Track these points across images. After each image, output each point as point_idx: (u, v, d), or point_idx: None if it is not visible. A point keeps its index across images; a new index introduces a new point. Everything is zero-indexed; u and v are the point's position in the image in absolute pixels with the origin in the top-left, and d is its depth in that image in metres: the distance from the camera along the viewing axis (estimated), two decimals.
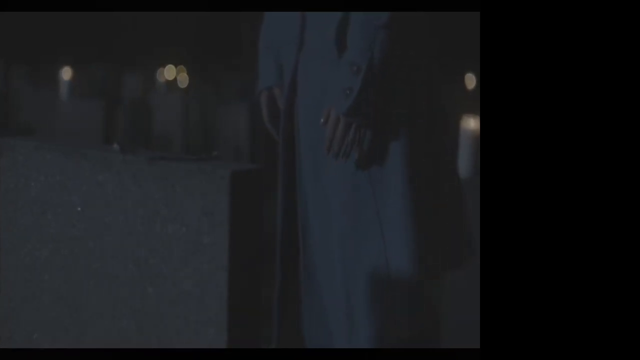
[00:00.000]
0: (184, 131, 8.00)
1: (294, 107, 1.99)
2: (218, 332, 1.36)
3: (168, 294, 1.41)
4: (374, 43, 1.78)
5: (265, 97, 2.13)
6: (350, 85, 1.79)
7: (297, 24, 1.96)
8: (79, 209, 1.51)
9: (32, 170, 1.57)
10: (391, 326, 1.88)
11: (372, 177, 1.87)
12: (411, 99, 1.87)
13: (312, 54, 1.94)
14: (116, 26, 20.87)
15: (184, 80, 13.36)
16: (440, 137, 1.92)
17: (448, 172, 1.94)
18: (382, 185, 1.86)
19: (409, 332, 1.90)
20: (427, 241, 1.85)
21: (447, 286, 1.98)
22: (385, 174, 1.86)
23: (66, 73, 10.23)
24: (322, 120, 1.85)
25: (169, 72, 14.48)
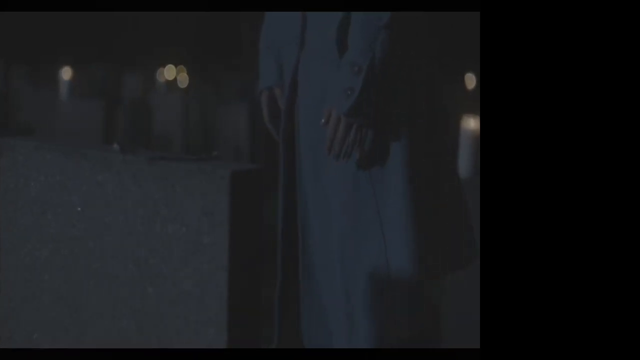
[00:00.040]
0: (184, 131, 8.00)
1: (295, 107, 1.99)
2: (218, 332, 1.36)
3: (168, 294, 1.41)
4: (375, 43, 1.78)
5: (266, 96, 2.13)
6: (352, 85, 1.79)
7: (297, 23, 1.96)
8: (79, 209, 1.51)
9: (32, 170, 1.57)
10: (391, 326, 1.88)
11: (373, 177, 1.87)
12: (412, 98, 1.87)
13: (312, 54, 1.94)
14: (116, 26, 20.87)
15: (184, 80, 13.36)
16: (441, 137, 1.92)
17: (448, 172, 1.94)
18: (382, 185, 1.86)
19: (409, 332, 1.90)
20: (427, 241, 1.85)
21: (447, 286, 1.98)
22: (386, 173, 1.86)
23: (66, 73, 10.22)
24: (322, 120, 1.85)
25: (169, 72, 14.47)
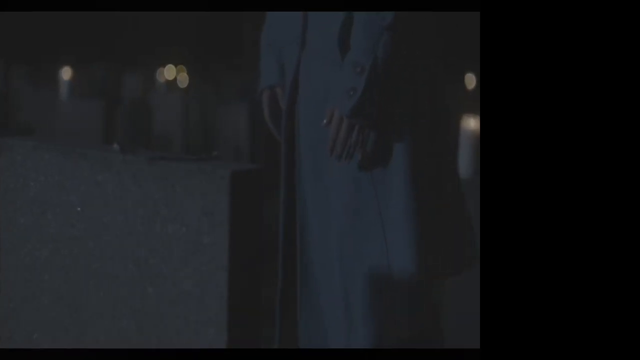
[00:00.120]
0: (184, 131, 8.00)
1: (296, 106, 1.99)
2: (218, 332, 1.36)
3: (168, 294, 1.41)
4: (378, 43, 1.78)
5: (267, 96, 2.13)
6: (354, 85, 1.78)
7: (299, 23, 1.96)
8: (79, 209, 1.51)
9: (30, 170, 1.57)
10: (391, 326, 1.87)
11: (375, 178, 1.86)
12: (415, 98, 1.86)
13: (314, 54, 1.94)
14: (116, 26, 20.87)
15: (184, 80, 13.36)
16: (444, 137, 1.91)
17: (450, 172, 1.94)
18: (384, 186, 1.86)
19: (409, 332, 1.90)
20: (429, 242, 1.85)
21: (447, 286, 1.98)
22: (388, 174, 1.85)
23: (66, 73, 10.22)
24: (325, 120, 1.85)
25: (169, 72, 14.47)
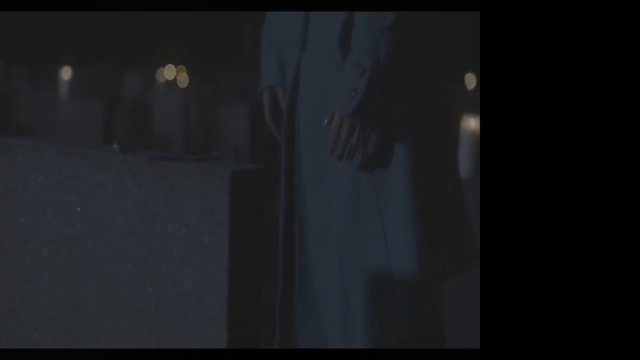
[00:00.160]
0: (184, 131, 8.00)
1: (296, 106, 1.99)
2: (218, 332, 1.36)
3: (168, 294, 1.41)
4: (380, 44, 1.77)
5: (268, 96, 2.13)
6: (355, 86, 1.78)
7: (300, 23, 1.95)
8: (79, 209, 1.51)
9: (30, 170, 1.57)
10: (391, 326, 1.87)
11: (375, 178, 1.86)
12: (415, 98, 1.86)
13: (314, 54, 1.93)
14: (116, 26, 20.87)
15: (184, 80, 13.36)
16: (444, 137, 1.91)
17: (450, 172, 1.94)
18: (384, 186, 1.85)
19: (409, 332, 1.90)
20: (430, 242, 1.85)
21: (447, 286, 1.98)
22: (389, 175, 1.85)
23: (66, 73, 10.23)
24: (325, 121, 1.85)
25: (169, 72, 14.48)
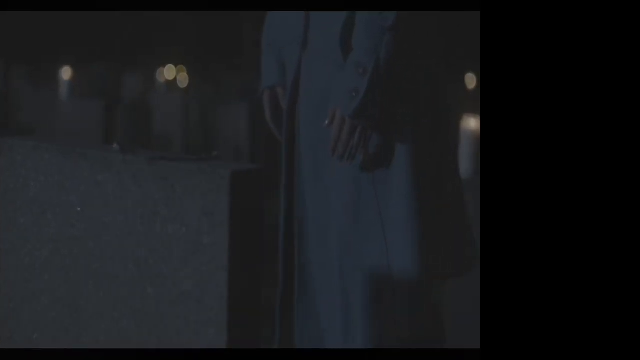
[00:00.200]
0: (184, 131, 8.01)
1: (297, 106, 1.99)
2: (218, 332, 1.36)
3: (168, 294, 1.41)
4: (381, 44, 1.77)
5: (268, 96, 2.13)
6: (357, 86, 1.78)
7: (300, 23, 1.95)
8: (79, 209, 1.51)
9: (30, 170, 1.57)
10: (391, 326, 1.87)
11: (375, 178, 1.86)
12: (416, 98, 1.86)
13: (315, 54, 1.93)
14: (117, 26, 20.87)
15: (184, 80, 13.37)
16: (445, 136, 1.91)
17: (451, 172, 1.94)
18: (385, 186, 1.85)
19: (408, 332, 1.89)
20: (430, 243, 1.85)
21: (447, 286, 1.98)
22: (389, 175, 1.85)
23: (66, 73, 10.23)
24: (326, 121, 1.84)
25: (169, 72, 14.49)
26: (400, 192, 1.84)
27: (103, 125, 7.22)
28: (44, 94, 8.62)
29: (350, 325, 1.89)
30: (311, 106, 1.94)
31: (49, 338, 1.56)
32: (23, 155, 1.58)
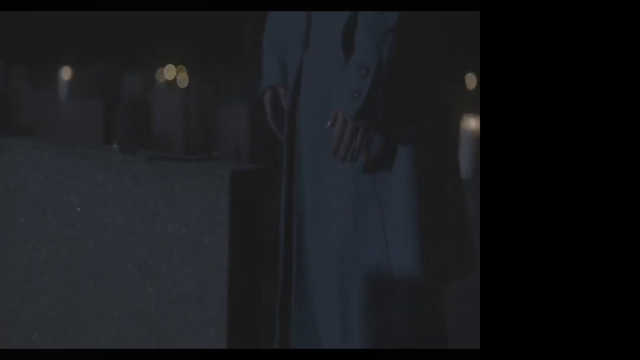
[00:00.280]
0: (184, 131, 8.01)
1: (297, 106, 1.99)
2: (218, 332, 1.36)
3: (168, 294, 1.41)
4: (383, 45, 1.76)
5: (269, 95, 2.13)
6: (359, 87, 1.77)
7: (302, 22, 1.95)
8: (79, 209, 1.51)
9: (30, 170, 1.57)
10: (391, 326, 1.87)
11: (375, 178, 1.86)
12: (418, 99, 1.86)
13: (317, 54, 1.93)
14: (117, 26, 20.87)
15: (184, 80, 13.37)
16: (445, 136, 1.91)
17: (451, 172, 1.93)
18: (385, 186, 1.85)
19: (409, 332, 1.89)
20: (430, 242, 1.85)
21: (447, 287, 1.98)
22: (390, 175, 1.85)
23: (66, 73, 10.23)
24: (329, 122, 1.84)
25: (169, 72, 14.49)
26: (401, 192, 1.83)
27: (103, 125, 7.23)
28: (44, 94, 8.63)
29: (350, 325, 1.89)
30: (312, 106, 1.94)
31: (49, 338, 1.56)
32: (23, 155, 1.58)
